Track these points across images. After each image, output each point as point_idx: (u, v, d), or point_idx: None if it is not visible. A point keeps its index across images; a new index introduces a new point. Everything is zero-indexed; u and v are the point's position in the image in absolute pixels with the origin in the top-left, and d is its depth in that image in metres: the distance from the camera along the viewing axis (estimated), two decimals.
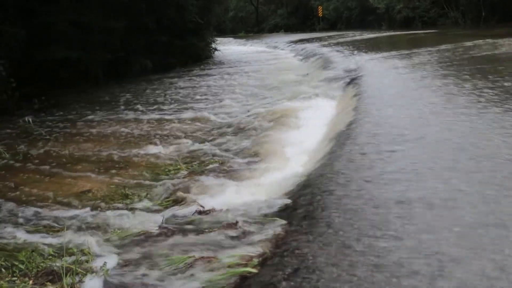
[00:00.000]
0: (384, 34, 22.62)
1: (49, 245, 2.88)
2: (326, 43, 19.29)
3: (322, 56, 13.53)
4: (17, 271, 2.55)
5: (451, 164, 2.98)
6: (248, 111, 7.12)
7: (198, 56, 18.13)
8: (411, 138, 3.71)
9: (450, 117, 4.22)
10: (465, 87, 5.53)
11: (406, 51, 11.16)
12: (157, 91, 10.55)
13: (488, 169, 2.82)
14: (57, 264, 2.56)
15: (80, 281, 2.41)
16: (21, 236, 3.09)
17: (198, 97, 9.39)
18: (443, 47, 11.00)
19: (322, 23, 41.47)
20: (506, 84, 5.43)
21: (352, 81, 7.64)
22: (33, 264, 2.62)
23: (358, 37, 21.41)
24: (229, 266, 2.27)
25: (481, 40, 11.30)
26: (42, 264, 2.62)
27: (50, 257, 2.72)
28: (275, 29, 47.22)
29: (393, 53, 11.31)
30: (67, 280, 2.39)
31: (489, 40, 11.05)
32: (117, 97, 10.01)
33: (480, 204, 2.35)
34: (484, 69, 6.95)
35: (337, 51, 14.54)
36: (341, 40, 20.50)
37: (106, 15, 11.62)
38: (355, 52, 13.34)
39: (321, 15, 41.20)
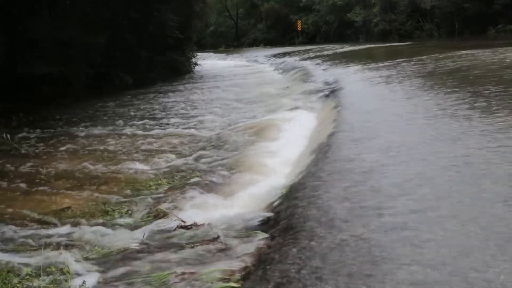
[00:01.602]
0: (362, 47, 23.01)
1: (26, 265, 2.80)
2: (305, 56, 19.51)
3: (302, 69, 13.67)
4: None
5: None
6: (229, 125, 7.13)
7: (178, 71, 18.16)
8: (390, 147, 3.75)
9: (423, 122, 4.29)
10: (438, 97, 5.64)
11: (382, 64, 11.36)
12: (137, 106, 10.49)
13: None
14: (35, 284, 2.49)
15: None
16: None
17: (178, 111, 9.36)
18: (417, 58, 11.23)
19: (301, 37, 42.01)
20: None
21: (332, 93, 7.72)
22: (9, 285, 2.54)
23: (336, 50, 21.73)
24: (211, 281, 2.24)
25: (451, 53, 11.58)
26: (18, 285, 2.55)
27: (27, 277, 2.64)
28: (254, 43, 47.62)
29: (370, 65, 11.50)
30: None
31: (460, 52, 11.33)
32: (97, 113, 9.91)
33: None
34: (452, 79, 7.10)
35: (316, 64, 14.72)
36: (320, 53, 20.76)
37: (87, 31, 11.56)
38: (334, 65, 13.52)
39: (300, 29, 41.75)
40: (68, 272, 2.63)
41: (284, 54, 23.10)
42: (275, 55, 23.65)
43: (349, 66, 12.24)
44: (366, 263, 2.02)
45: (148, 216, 3.59)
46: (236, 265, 2.35)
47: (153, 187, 4.44)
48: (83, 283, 2.44)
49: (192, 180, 4.40)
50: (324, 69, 12.56)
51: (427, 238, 2.12)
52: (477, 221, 2.21)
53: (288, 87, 11.04)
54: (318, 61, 15.92)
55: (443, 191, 2.65)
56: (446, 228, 2.18)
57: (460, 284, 1.74)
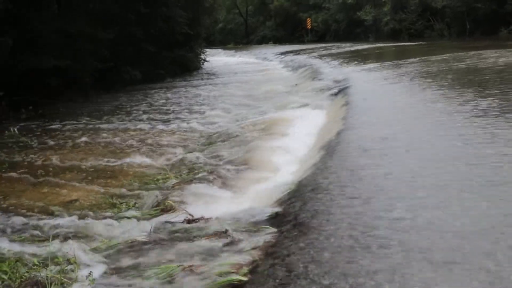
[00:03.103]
0: (372, 45, 22.86)
1: (34, 255, 2.82)
2: (314, 54, 19.43)
3: (311, 67, 13.60)
4: (0, 282, 2.48)
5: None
6: (238, 121, 7.11)
7: (187, 67, 18.15)
8: (397, 145, 3.72)
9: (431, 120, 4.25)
10: (448, 98, 5.58)
11: (392, 62, 11.28)
12: (146, 101, 10.51)
13: None
14: (42, 274, 2.49)
15: None
16: (5, 246, 3.01)
17: (187, 107, 9.36)
18: (426, 58, 11.14)
19: (310, 35, 41.82)
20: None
21: (341, 91, 7.68)
22: (17, 274, 2.55)
23: (346, 49, 21.60)
24: (219, 275, 2.23)
25: (462, 52, 11.46)
26: (26, 274, 2.55)
27: (35, 267, 2.65)
28: (263, 41, 47.49)
29: (380, 64, 11.42)
30: None
31: (473, 52, 11.21)
32: (105, 107, 9.94)
33: None
34: (463, 80, 7.04)
35: (325, 62, 14.64)
36: (329, 51, 20.66)
37: (95, 25, 11.58)
38: (343, 63, 13.44)
39: (309, 27, 41.56)
40: (76, 262, 2.63)
41: (293, 52, 23.01)
42: (284, 53, 23.56)
43: (358, 65, 12.17)
44: (374, 257, 2.00)
45: (156, 210, 3.59)
46: (244, 259, 2.34)
47: (161, 181, 4.44)
48: (90, 273, 2.44)
49: (200, 175, 4.39)
50: (334, 67, 12.49)
51: None
52: None
53: (297, 84, 10.99)
54: (328, 59, 15.84)
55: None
56: None
57: None
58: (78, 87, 11.52)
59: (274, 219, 2.87)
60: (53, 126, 7.89)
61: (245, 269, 2.22)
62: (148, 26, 14.43)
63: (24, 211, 3.82)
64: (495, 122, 4.01)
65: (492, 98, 5.04)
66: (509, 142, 3.38)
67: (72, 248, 2.82)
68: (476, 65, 8.73)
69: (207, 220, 3.05)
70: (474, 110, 4.57)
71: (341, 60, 14.74)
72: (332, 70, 11.61)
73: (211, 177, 4.25)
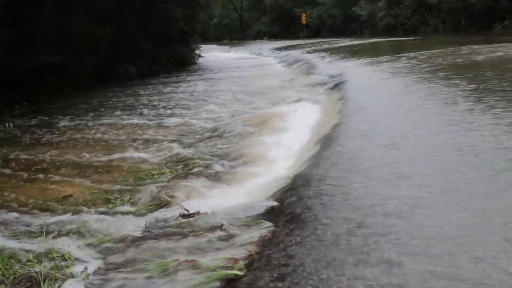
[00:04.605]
0: (367, 41, 22.86)
1: (28, 251, 2.79)
2: (309, 50, 19.40)
3: (306, 62, 13.58)
4: None
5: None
6: (233, 116, 7.08)
7: (182, 63, 18.11)
8: (392, 138, 3.72)
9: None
10: (441, 90, 5.59)
11: (387, 57, 11.28)
12: (141, 97, 10.45)
13: None
14: (36, 270, 2.47)
15: (60, 287, 2.32)
16: None
17: (182, 102, 9.32)
18: (421, 53, 11.15)
19: (305, 31, 41.77)
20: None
21: (336, 86, 7.66)
22: (10, 270, 2.53)
23: (341, 44, 21.59)
24: (214, 269, 2.21)
25: (455, 47, 11.48)
26: (19, 270, 2.53)
27: (29, 263, 2.63)
28: (258, 36, 47.39)
29: (375, 59, 11.42)
30: (45, 286, 2.30)
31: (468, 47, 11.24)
32: (101, 103, 9.88)
33: None
34: (454, 73, 7.05)
35: (321, 57, 14.62)
36: (324, 47, 20.64)
37: (92, 22, 11.50)
38: (339, 58, 13.43)
39: (304, 23, 41.50)
40: (70, 258, 2.61)
41: (288, 47, 22.98)
42: (279, 48, 23.52)
43: (353, 60, 12.16)
44: (371, 250, 1.99)
45: (151, 205, 3.57)
46: (239, 253, 2.32)
47: (156, 176, 4.42)
48: (85, 269, 2.41)
49: (195, 170, 4.37)
50: (329, 62, 12.48)
51: None
52: None
53: (292, 79, 10.97)
54: (323, 54, 15.82)
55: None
56: None
57: None
58: (74, 83, 11.46)
59: (270, 213, 2.85)
60: (47, 122, 7.84)
61: (241, 264, 2.20)
62: (144, 22, 14.35)
63: (17, 206, 3.79)
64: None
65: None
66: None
67: (67, 243, 2.80)
68: (467, 58, 8.75)
69: (202, 215, 3.03)
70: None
71: (336, 55, 14.73)
72: (327, 65, 11.60)
73: (206, 172, 4.23)
